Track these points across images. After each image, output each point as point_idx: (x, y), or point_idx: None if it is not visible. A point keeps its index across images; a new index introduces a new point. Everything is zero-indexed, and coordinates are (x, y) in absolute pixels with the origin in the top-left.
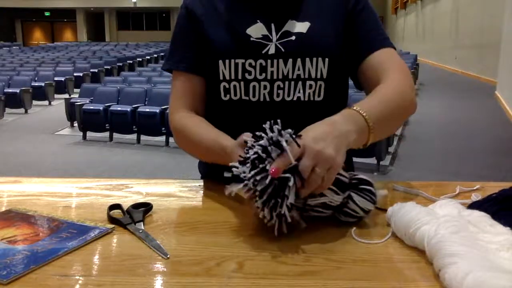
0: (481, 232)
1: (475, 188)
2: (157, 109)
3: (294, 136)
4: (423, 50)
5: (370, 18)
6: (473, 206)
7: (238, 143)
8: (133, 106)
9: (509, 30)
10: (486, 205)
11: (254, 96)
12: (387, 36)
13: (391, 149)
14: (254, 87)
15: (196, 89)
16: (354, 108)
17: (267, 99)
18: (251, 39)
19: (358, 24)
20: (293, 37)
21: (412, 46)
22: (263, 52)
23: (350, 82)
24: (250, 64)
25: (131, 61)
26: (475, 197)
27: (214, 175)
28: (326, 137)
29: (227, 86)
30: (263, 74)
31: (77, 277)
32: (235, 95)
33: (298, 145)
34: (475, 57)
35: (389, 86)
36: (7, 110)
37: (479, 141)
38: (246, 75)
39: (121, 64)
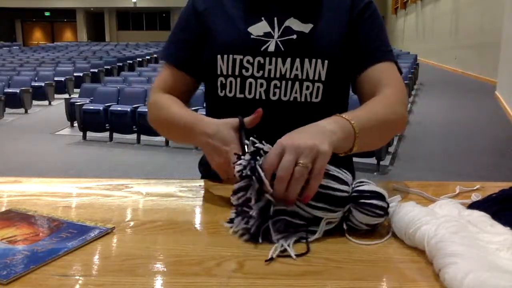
0: (481, 232)
1: (475, 188)
2: None
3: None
4: (423, 50)
5: (375, 28)
6: (473, 206)
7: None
8: (133, 106)
9: (509, 30)
10: (486, 205)
11: (250, 93)
12: (390, 49)
13: (391, 149)
14: (250, 84)
15: (177, 86)
16: (341, 115)
17: (263, 97)
18: (251, 36)
19: (363, 32)
20: (294, 36)
21: (412, 46)
22: (262, 49)
23: None
24: (248, 61)
25: (131, 61)
26: (475, 197)
27: (214, 175)
28: (304, 132)
29: (223, 81)
30: (261, 72)
31: (77, 277)
32: (230, 91)
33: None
34: (475, 57)
35: (380, 100)
36: (7, 110)
37: (479, 141)
38: (243, 71)
39: (121, 64)
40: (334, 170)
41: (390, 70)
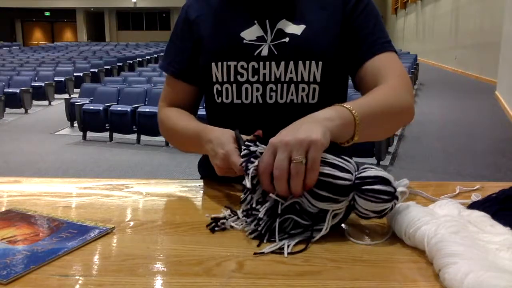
0: (481, 232)
1: (475, 188)
2: (157, 109)
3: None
4: (423, 50)
5: (371, 20)
6: (473, 206)
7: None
8: (133, 106)
9: (509, 30)
10: (486, 205)
11: (246, 98)
12: (389, 39)
13: (391, 149)
14: (246, 89)
15: (180, 96)
16: (340, 104)
17: (260, 101)
18: (244, 41)
19: (359, 25)
20: (287, 39)
21: (412, 46)
22: (255, 53)
23: (351, 83)
24: (242, 67)
25: (131, 61)
26: (475, 197)
27: (214, 175)
28: (296, 126)
29: (219, 88)
30: (256, 77)
31: (77, 277)
32: (227, 98)
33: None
34: (475, 57)
35: (383, 88)
36: (7, 110)
37: (479, 141)
38: (238, 77)
39: (121, 64)
40: (333, 159)
41: (391, 59)
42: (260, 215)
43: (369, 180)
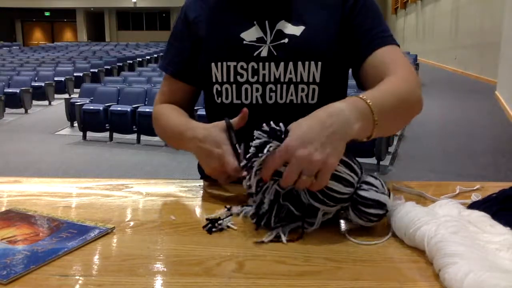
0: (481, 232)
1: (475, 188)
2: None
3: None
4: (423, 50)
5: (371, 15)
6: (473, 206)
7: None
8: (133, 106)
9: (509, 30)
10: (486, 205)
11: (246, 99)
12: (390, 33)
13: (391, 149)
14: (246, 89)
15: (177, 95)
16: (360, 96)
17: (260, 101)
18: (244, 42)
19: (359, 22)
20: (286, 40)
21: (412, 46)
22: (255, 54)
23: (350, 83)
24: (242, 67)
25: (131, 61)
26: (475, 197)
27: None
28: (316, 136)
29: (219, 88)
30: (255, 77)
31: (77, 277)
32: (226, 98)
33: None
34: (475, 57)
35: (394, 80)
36: (7, 110)
37: (479, 141)
38: (238, 77)
39: (121, 64)
40: (342, 171)
41: (395, 52)
42: (265, 206)
43: (368, 203)
